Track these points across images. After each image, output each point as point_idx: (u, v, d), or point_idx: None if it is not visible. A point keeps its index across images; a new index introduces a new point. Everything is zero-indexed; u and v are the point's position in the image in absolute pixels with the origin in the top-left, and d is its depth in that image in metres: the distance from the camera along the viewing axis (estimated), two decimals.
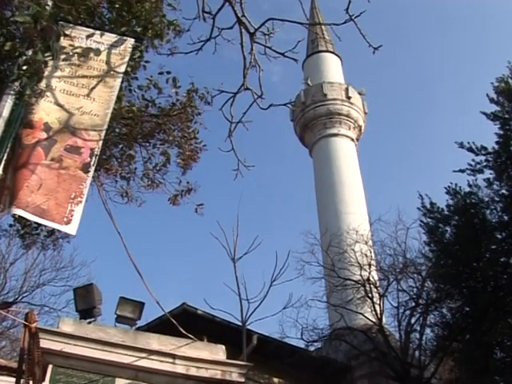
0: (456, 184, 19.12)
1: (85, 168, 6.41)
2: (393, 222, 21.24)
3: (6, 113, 6.34)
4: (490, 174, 18.56)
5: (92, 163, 6.46)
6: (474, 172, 18.81)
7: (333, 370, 20.84)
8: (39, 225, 9.77)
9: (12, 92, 6.41)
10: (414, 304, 19.89)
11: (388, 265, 20.80)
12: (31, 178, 6.15)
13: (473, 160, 18.69)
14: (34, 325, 7.13)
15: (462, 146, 18.99)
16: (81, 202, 6.22)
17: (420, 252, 20.42)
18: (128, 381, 12.43)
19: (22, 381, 6.96)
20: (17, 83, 6.38)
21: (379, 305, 19.98)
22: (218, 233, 16.83)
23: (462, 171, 18.95)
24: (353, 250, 21.16)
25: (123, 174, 10.21)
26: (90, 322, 12.68)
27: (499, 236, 18.18)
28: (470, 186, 18.99)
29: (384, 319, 20.39)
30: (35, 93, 6.51)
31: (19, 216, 8.44)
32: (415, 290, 20.13)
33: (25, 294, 26.04)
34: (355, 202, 27.32)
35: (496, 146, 18.28)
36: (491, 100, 18.83)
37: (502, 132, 18.22)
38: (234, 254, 16.67)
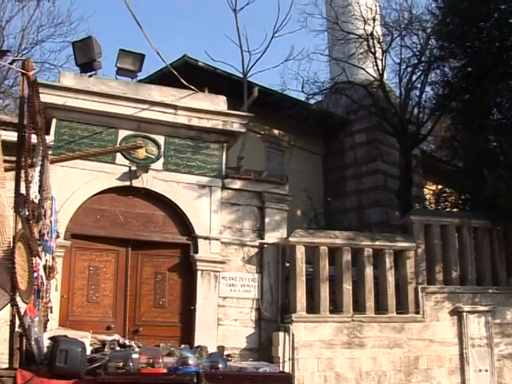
0: None
1: None
2: None
3: None
4: None
5: None
6: None
7: (332, 122, 21.32)
8: None
9: None
10: (416, 61, 19.63)
11: (393, 20, 20.19)
12: None
13: None
14: (31, 72, 7.10)
15: None
16: None
17: (426, 8, 19.71)
18: (130, 132, 12.85)
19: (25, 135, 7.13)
20: None
21: (381, 60, 19.78)
22: None
23: None
24: (357, 3, 20.48)
25: None
26: (90, 76, 12.77)
27: None
28: None
29: (385, 75, 20.38)
30: None
31: None
32: (419, 46, 19.79)
33: (24, 52, 25.77)
34: None
35: None
36: None
37: None
38: (236, 5, 16.36)
